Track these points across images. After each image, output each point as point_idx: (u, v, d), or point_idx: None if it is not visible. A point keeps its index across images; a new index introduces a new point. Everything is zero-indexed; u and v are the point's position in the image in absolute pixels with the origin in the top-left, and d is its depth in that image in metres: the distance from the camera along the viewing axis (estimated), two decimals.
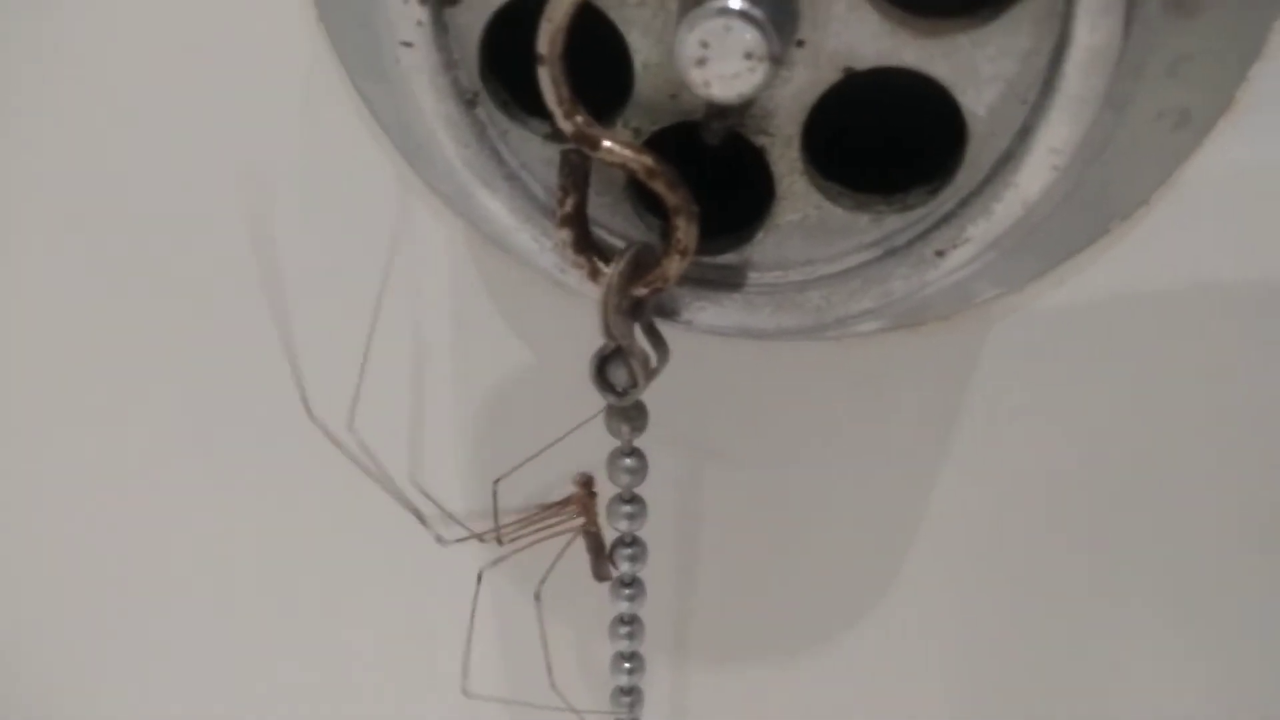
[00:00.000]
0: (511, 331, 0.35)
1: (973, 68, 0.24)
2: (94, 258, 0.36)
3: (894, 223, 0.26)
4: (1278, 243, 0.29)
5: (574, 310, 0.33)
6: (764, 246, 0.27)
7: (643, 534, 0.31)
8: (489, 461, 0.37)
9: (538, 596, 0.36)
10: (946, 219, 0.25)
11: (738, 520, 0.37)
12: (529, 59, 0.24)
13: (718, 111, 0.25)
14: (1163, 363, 0.31)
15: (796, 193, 0.26)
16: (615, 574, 0.31)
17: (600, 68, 0.25)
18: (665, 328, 0.28)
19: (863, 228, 0.26)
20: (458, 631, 0.40)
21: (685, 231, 0.25)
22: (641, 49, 0.25)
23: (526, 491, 0.36)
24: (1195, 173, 0.29)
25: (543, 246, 0.28)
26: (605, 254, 0.26)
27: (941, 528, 0.35)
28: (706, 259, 0.27)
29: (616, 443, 0.29)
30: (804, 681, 0.39)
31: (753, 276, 0.27)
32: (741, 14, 0.21)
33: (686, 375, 0.31)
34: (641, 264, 0.26)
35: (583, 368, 0.35)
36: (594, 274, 0.26)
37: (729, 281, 0.27)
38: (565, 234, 0.26)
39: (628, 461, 0.29)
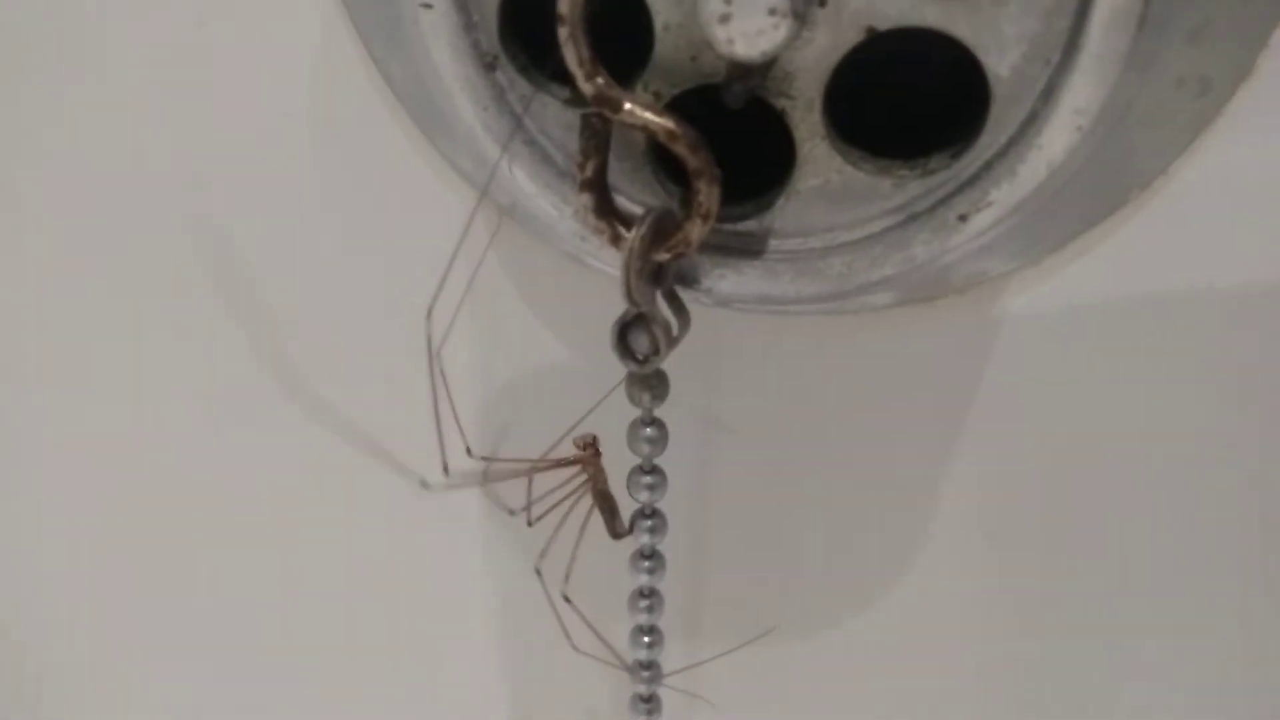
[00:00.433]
0: (527, 306, 0.35)
1: (995, 27, 0.24)
2: (94, 224, 0.36)
3: (916, 187, 0.26)
4: None
5: (592, 283, 0.33)
6: (785, 213, 0.27)
7: (662, 506, 0.31)
8: (505, 436, 0.36)
9: (538, 571, 0.36)
10: (970, 183, 0.25)
11: (752, 493, 0.37)
12: (549, 22, 0.24)
13: (739, 73, 0.25)
14: (1181, 337, 0.31)
15: (818, 157, 0.26)
16: (630, 531, 0.31)
17: (620, 30, 0.25)
18: (685, 298, 0.28)
19: (885, 193, 0.26)
20: (476, 610, 0.40)
21: (707, 195, 0.24)
22: (662, 10, 0.25)
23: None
24: (1216, 142, 0.28)
25: (562, 214, 0.27)
26: (626, 220, 0.26)
27: (956, 501, 0.35)
28: (727, 226, 0.27)
29: (635, 414, 0.29)
30: (818, 655, 0.39)
31: (773, 243, 0.27)
32: None
33: (703, 349, 0.31)
34: (663, 229, 0.25)
35: (599, 342, 0.35)
36: (615, 239, 0.26)
37: (750, 249, 0.27)
38: (586, 199, 0.26)
39: (648, 431, 0.29)
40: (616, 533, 0.34)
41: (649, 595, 0.32)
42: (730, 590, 0.38)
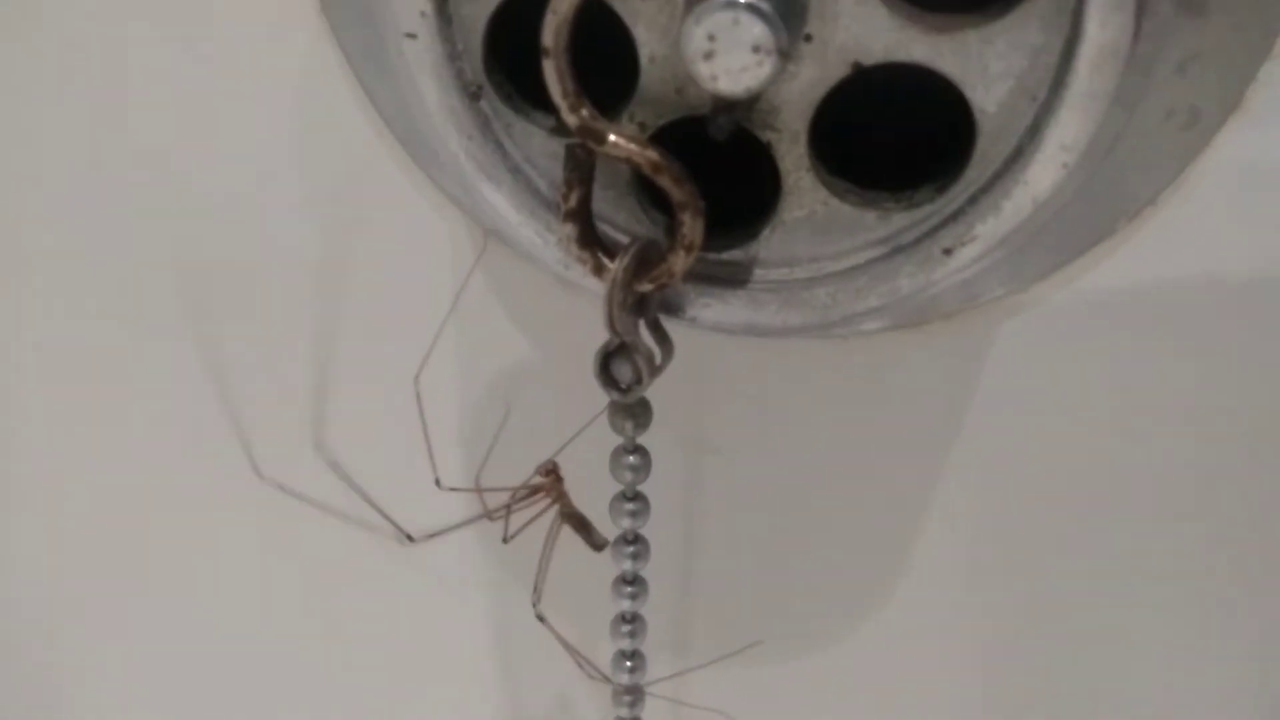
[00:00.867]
0: (514, 327, 0.35)
1: (981, 64, 0.23)
2: (83, 247, 0.35)
3: (901, 220, 0.26)
4: None
5: (577, 306, 0.33)
6: (770, 243, 0.27)
7: (645, 532, 0.30)
8: (490, 460, 0.36)
9: (537, 608, 0.36)
10: (955, 217, 0.25)
11: (739, 518, 0.37)
12: (534, 51, 0.24)
13: (725, 106, 0.25)
14: (1169, 363, 0.31)
15: (803, 189, 0.26)
16: (607, 539, 0.32)
17: (605, 61, 0.25)
18: (670, 324, 0.28)
19: (870, 225, 0.26)
20: (457, 632, 0.40)
21: (691, 227, 0.24)
22: (647, 43, 0.25)
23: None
24: (1204, 173, 0.28)
25: (546, 241, 0.27)
26: (610, 249, 0.26)
27: (945, 527, 0.35)
28: (712, 255, 0.27)
29: (618, 440, 0.29)
30: (804, 681, 0.39)
31: (759, 273, 0.27)
32: (749, 7, 0.21)
33: (689, 373, 0.31)
34: (647, 260, 0.25)
35: (585, 364, 0.35)
36: (598, 269, 0.26)
37: (735, 278, 0.27)
38: (570, 229, 0.25)
39: (631, 459, 0.29)
40: (596, 545, 0.35)
41: (631, 620, 0.32)
42: (716, 613, 0.38)
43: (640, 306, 0.26)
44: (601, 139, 0.24)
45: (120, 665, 0.44)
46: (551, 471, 0.34)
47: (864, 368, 0.33)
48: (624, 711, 0.34)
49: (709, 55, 0.22)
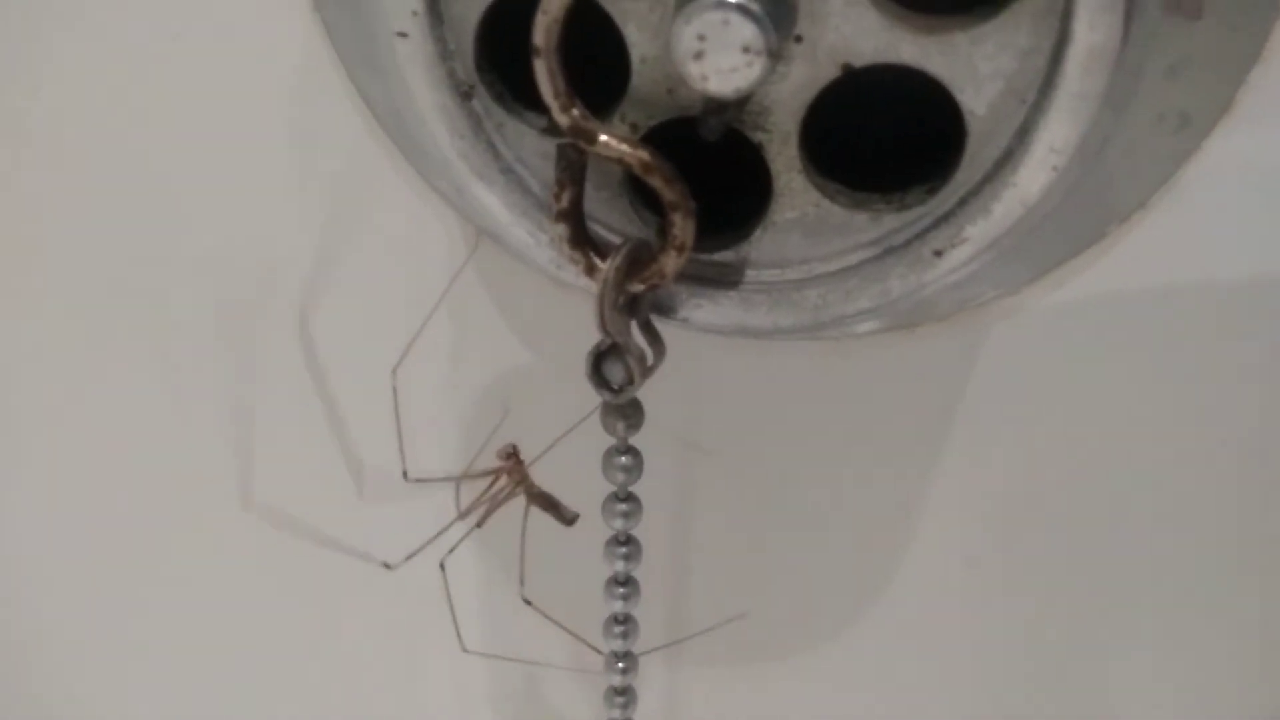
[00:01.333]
0: (506, 325, 0.35)
1: (971, 65, 0.23)
2: (73, 248, 0.35)
3: (892, 221, 0.26)
4: (1276, 246, 0.29)
5: (569, 305, 0.33)
6: (761, 244, 0.27)
7: (637, 532, 0.30)
8: (480, 457, 0.36)
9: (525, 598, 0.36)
10: (945, 218, 0.25)
11: (731, 519, 0.37)
12: (525, 51, 0.24)
13: (715, 107, 0.25)
14: (1160, 365, 0.31)
15: (794, 190, 0.26)
16: (577, 512, 0.34)
17: (596, 61, 0.25)
18: (662, 325, 0.28)
19: (861, 226, 0.26)
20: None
21: (682, 227, 0.24)
22: (638, 43, 0.25)
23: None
24: (1194, 176, 0.28)
25: (538, 241, 0.27)
26: (602, 250, 0.26)
27: (935, 530, 0.35)
28: (703, 256, 0.27)
29: (610, 440, 0.29)
30: (797, 682, 0.39)
31: (750, 274, 0.27)
32: (739, 7, 0.21)
33: (680, 373, 0.31)
34: (638, 260, 0.25)
35: (577, 363, 0.35)
36: (590, 270, 0.26)
37: (726, 279, 0.27)
38: (561, 229, 0.25)
39: (623, 459, 0.29)
40: (567, 520, 0.35)
41: (624, 621, 0.32)
42: (706, 614, 0.38)
43: (632, 307, 0.26)
44: (593, 139, 0.24)
45: (121, 679, 0.45)
46: (512, 455, 0.34)
47: (855, 369, 0.33)
48: (616, 713, 0.34)
49: (699, 55, 0.22)
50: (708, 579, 0.38)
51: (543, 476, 0.35)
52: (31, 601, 0.43)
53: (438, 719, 0.43)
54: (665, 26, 0.24)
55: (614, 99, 0.26)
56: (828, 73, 0.24)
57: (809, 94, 0.24)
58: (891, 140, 0.26)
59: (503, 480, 0.35)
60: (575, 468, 0.34)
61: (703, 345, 0.33)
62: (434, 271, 0.34)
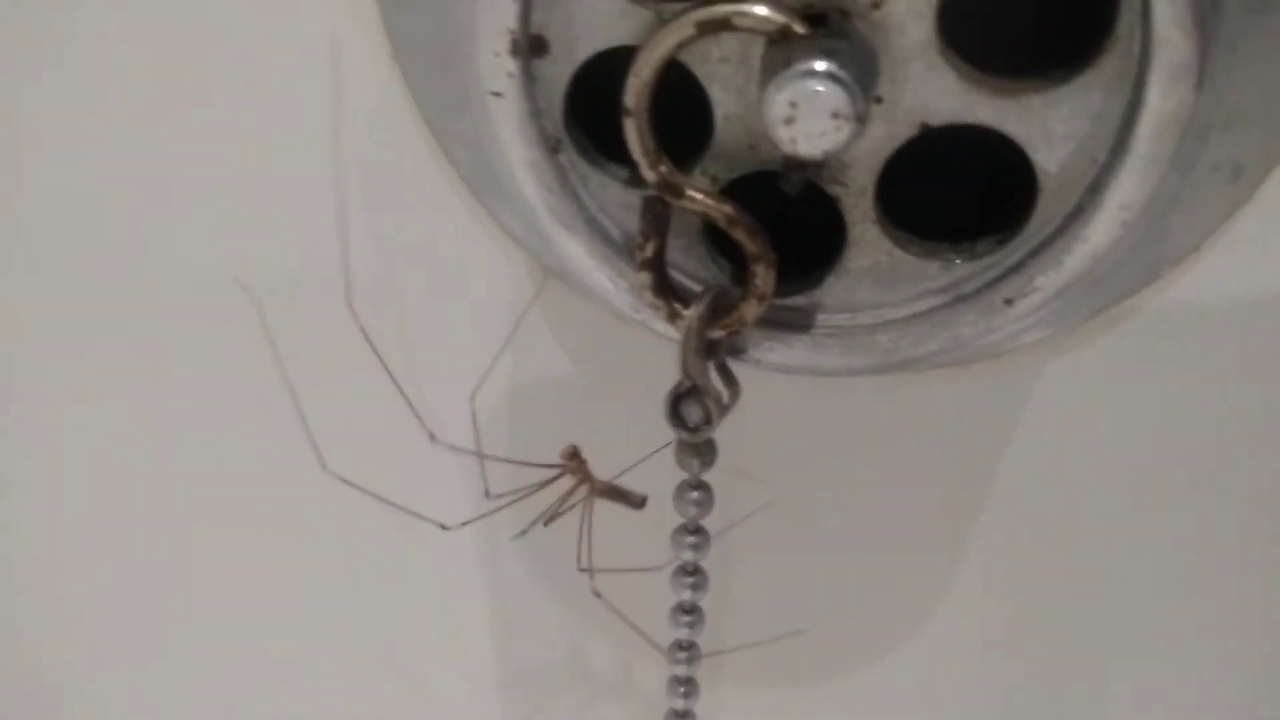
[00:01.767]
0: (569, 360, 0.36)
1: (1045, 127, 0.25)
2: (142, 266, 0.36)
3: (963, 270, 0.27)
4: None
5: (633, 340, 0.34)
6: (833, 290, 0.28)
7: (705, 564, 0.31)
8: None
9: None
10: (1016, 268, 0.26)
11: (779, 548, 0.38)
12: (611, 108, 0.25)
13: (797, 164, 0.26)
14: (1213, 405, 0.32)
15: (868, 240, 0.27)
16: (645, 495, 0.34)
17: (679, 114, 0.26)
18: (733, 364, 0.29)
19: (932, 274, 0.27)
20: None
21: (763, 278, 0.26)
22: (723, 102, 0.26)
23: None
24: (1246, 222, 0.29)
25: (618, 287, 0.28)
26: (682, 297, 0.27)
27: (987, 564, 0.36)
28: (777, 301, 0.28)
29: (678, 474, 0.30)
30: (843, 708, 0.40)
31: (821, 319, 0.28)
32: (829, 75, 0.22)
33: (740, 408, 0.32)
34: (719, 307, 0.27)
35: (641, 397, 0.36)
36: (672, 316, 0.27)
37: (798, 323, 0.28)
38: (645, 277, 0.27)
39: (695, 494, 0.30)
40: (637, 505, 0.36)
41: (687, 648, 0.33)
42: (760, 646, 0.39)
43: (710, 350, 0.27)
44: (680, 193, 0.25)
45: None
46: (575, 455, 0.35)
47: (908, 405, 0.34)
48: (678, 703, 0.35)
49: (789, 120, 0.23)
50: (756, 607, 0.39)
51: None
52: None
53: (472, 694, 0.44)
54: (749, 87, 0.26)
55: (695, 153, 0.27)
56: (905, 131, 0.25)
57: (886, 151, 0.26)
58: (961, 191, 0.27)
59: (566, 479, 0.36)
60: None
61: (756, 378, 0.34)
62: (503, 308, 0.35)
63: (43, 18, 0.32)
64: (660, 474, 0.30)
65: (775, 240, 0.25)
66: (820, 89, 0.22)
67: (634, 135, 0.25)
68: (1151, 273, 0.30)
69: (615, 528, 0.36)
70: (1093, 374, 0.32)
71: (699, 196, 0.25)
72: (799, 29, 0.23)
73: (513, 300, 0.35)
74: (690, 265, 0.28)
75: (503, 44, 0.25)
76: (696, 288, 0.28)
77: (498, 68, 0.25)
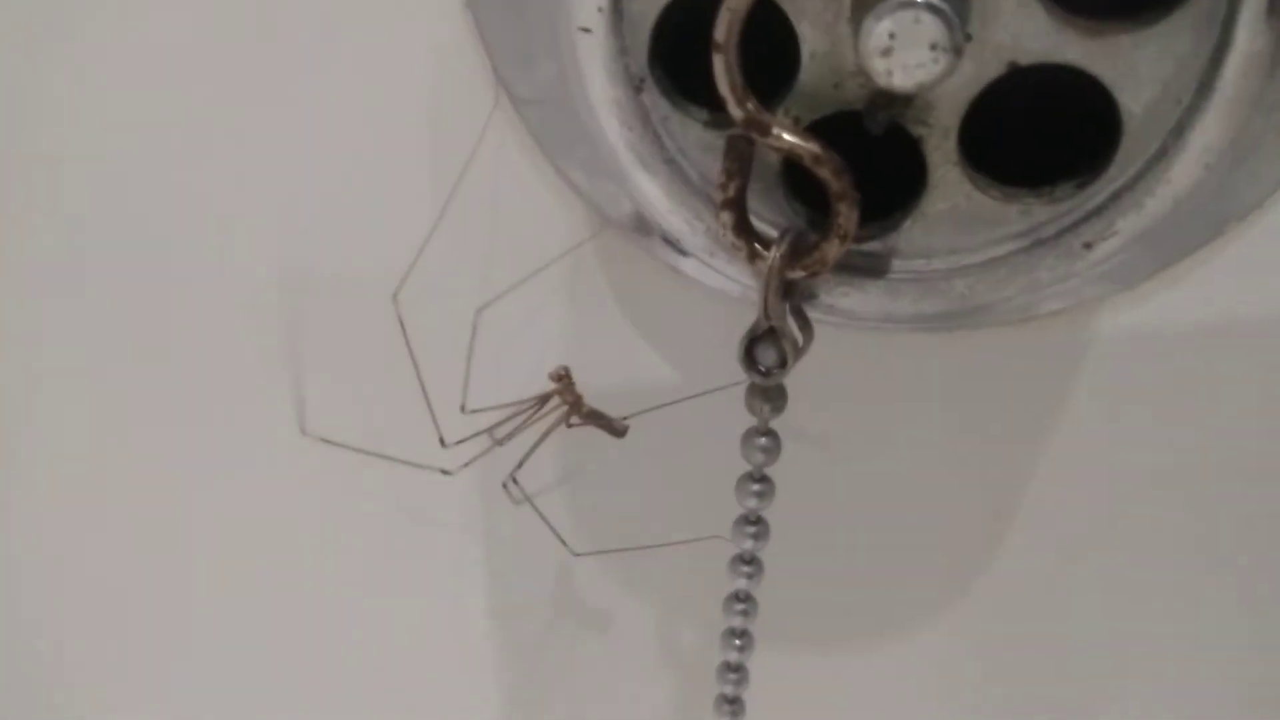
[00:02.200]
0: (621, 311, 0.36)
1: (1132, 68, 0.25)
2: (206, 237, 0.36)
3: (1042, 214, 0.27)
4: None
5: (689, 297, 0.34)
6: (911, 234, 0.28)
7: (766, 514, 0.32)
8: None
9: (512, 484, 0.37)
10: (1096, 212, 0.26)
11: (828, 505, 0.38)
12: (693, 49, 0.26)
13: (884, 102, 0.26)
14: (1270, 368, 0.33)
15: (948, 183, 0.27)
16: (627, 423, 0.34)
17: (765, 54, 0.26)
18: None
19: (1011, 219, 0.27)
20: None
21: (847, 217, 0.26)
22: (810, 39, 0.26)
23: None
24: None
25: (694, 229, 0.29)
26: (762, 238, 0.27)
27: (1042, 521, 0.36)
28: (853, 245, 0.28)
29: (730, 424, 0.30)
30: (869, 669, 0.40)
31: (897, 264, 0.28)
32: (929, 6, 0.23)
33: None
34: (799, 248, 0.27)
35: (694, 352, 0.36)
36: (752, 256, 0.27)
37: (873, 268, 0.28)
38: (727, 216, 0.27)
39: (762, 440, 0.30)
40: (619, 432, 0.35)
41: (745, 599, 0.33)
42: (788, 599, 0.39)
43: (787, 293, 0.28)
44: (766, 131, 0.25)
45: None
46: (564, 376, 0.35)
47: (967, 359, 0.35)
48: (728, 689, 0.35)
49: (887, 51, 0.23)
50: (794, 563, 0.39)
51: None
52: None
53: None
54: (838, 24, 0.26)
55: (780, 92, 0.27)
56: (993, 70, 0.25)
57: (972, 90, 0.26)
58: (1042, 132, 0.28)
59: (555, 401, 0.36)
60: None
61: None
62: (557, 260, 0.35)
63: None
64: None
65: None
66: (920, 19, 0.23)
67: (723, 71, 0.25)
68: (1215, 229, 0.31)
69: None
70: (1155, 332, 0.33)
71: (785, 135, 0.25)
72: None
73: (571, 252, 0.35)
74: (767, 210, 0.29)
75: None
76: (772, 230, 0.28)
77: (588, 3, 0.26)
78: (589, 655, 0.43)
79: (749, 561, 0.33)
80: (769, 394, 0.29)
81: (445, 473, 0.37)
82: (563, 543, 0.38)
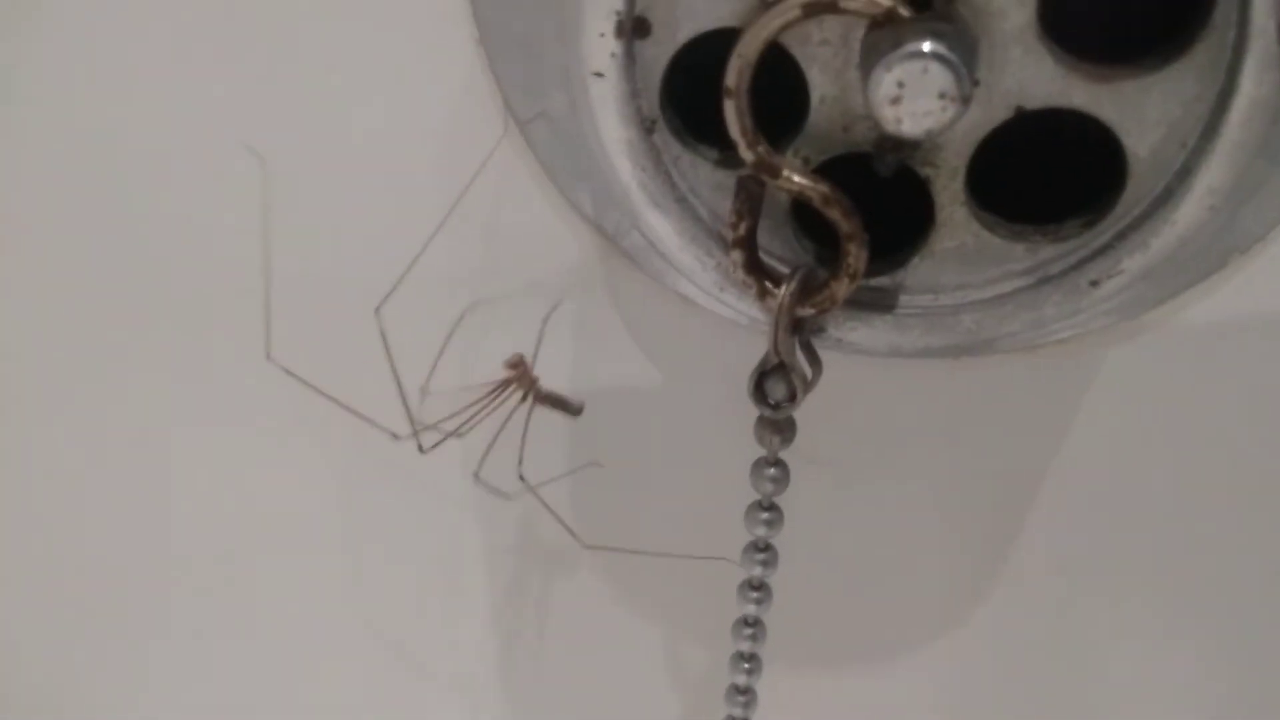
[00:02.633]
0: (634, 343, 0.36)
1: (1138, 112, 0.25)
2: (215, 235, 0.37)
3: (1048, 252, 0.27)
4: None
5: (697, 324, 0.34)
6: (918, 271, 0.28)
7: (775, 542, 0.32)
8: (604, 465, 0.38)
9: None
10: (1102, 251, 0.27)
11: (836, 529, 0.39)
12: (703, 89, 0.26)
13: (892, 145, 0.26)
14: (1273, 399, 0.33)
15: (956, 222, 0.27)
16: (583, 402, 0.35)
17: (773, 95, 0.27)
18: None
19: (1017, 256, 0.28)
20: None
21: (856, 257, 0.26)
22: (820, 84, 0.26)
23: None
24: None
25: (705, 265, 0.29)
26: (772, 275, 0.27)
27: (1042, 548, 0.37)
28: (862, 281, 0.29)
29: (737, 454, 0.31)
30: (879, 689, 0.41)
31: (904, 299, 0.29)
32: (937, 56, 0.23)
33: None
34: (808, 286, 0.27)
35: (702, 379, 0.37)
36: (762, 294, 0.27)
37: (880, 303, 0.29)
38: (738, 255, 0.27)
39: (772, 471, 0.30)
40: (575, 411, 0.36)
41: (753, 624, 0.34)
42: (795, 620, 0.39)
43: (796, 328, 0.28)
44: (776, 173, 0.26)
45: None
46: (520, 363, 0.35)
47: (972, 388, 0.35)
48: (737, 711, 0.36)
49: (896, 100, 0.23)
50: (802, 585, 0.40)
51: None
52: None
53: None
54: (847, 70, 0.26)
55: (789, 133, 0.27)
56: (1000, 114, 0.26)
57: (980, 133, 0.26)
58: (1046, 173, 0.28)
59: (512, 388, 0.36)
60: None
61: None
62: (565, 289, 0.36)
63: None
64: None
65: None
66: (929, 69, 0.23)
67: (734, 115, 0.25)
68: (1219, 260, 0.31)
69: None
70: (1158, 359, 0.33)
71: (796, 177, 0.26)
72: (904, 12, 0.24)
73: (579, 278, 0.35)
74: (776, 247, 0.29)
75: (609, 25, 0.26)
76: (781, 267, 0.29)
77: (602, 48, 0.26)
78: (593, 672, 0.44)
79: (758, 587, 0.33)
80: (779, 426, 0.29)
81: (395, 436, 0.37)
82: (572, 534, 0.38)
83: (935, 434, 0.36)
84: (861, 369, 0.35)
